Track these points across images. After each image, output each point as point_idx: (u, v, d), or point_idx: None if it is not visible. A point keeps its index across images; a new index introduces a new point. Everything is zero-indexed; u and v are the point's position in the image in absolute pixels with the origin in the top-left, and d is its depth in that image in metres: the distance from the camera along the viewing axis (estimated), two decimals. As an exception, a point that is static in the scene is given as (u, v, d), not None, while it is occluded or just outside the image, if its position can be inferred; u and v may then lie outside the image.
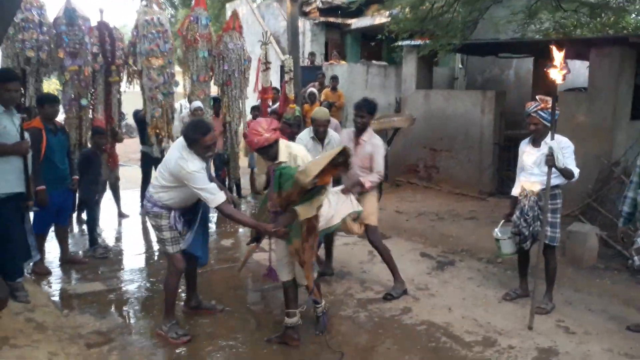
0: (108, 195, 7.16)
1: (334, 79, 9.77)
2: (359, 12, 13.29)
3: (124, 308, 4.43)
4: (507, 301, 4.63)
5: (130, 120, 10.91)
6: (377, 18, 11.94)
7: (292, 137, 8.07)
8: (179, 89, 7.91)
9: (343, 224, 4.17)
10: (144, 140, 7.39)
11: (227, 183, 8.43)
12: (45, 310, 4.12)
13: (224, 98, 8.17)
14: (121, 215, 7.42)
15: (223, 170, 8.29)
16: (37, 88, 5.78)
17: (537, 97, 4.35)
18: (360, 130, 4.68)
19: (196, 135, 3.56)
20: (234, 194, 8.30)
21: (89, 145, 6.27)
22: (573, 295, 4.78)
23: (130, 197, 8.00)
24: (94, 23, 6.65)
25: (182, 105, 9.29)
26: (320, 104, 8.69)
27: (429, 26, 7.71)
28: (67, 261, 5.34)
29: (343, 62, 11.11)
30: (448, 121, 9.15)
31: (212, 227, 6.88)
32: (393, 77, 10.74)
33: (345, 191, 4.33)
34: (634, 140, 6.68)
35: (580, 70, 13.79)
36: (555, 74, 3.89)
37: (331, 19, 12.67)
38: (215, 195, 3.56)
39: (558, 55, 3.86)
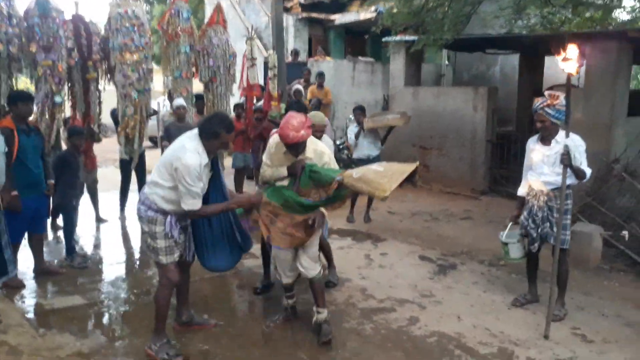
0: (85, 198, 6.71)
1: (321, 75, 9.46)
2: (341, 8, 13.02)
3: (108, 325, 4.04)
4: (517, 307, 4.39)
5: (107, 119, 10.40)
6: (362, 13, 11.67)
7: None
8: (159, 87, 7.51)
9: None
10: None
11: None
12: (19, 330, 3.72)
13: (208, 95, 7.77)
14: (99, 220, 6.98)
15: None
16: (9, 85, 5.32)
17: (545, 92, 4.11)
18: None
19: (219, 129, 3.29)
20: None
21: (65, 147, 5.84)
22: (583, 300, 4.57)
23: (109, 200, 7.55)
24: (68, 16, 6.20)
25: (159, 104, 8.88)
26: (310, 102, 8.36)
27: (425, 18, 7.45)
28: (42, 272, 4.91)
29: (328, 58, 10.80)
30: (438, 119, 8.93)
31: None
32: (380, 73, 10.48)
33: None
34: (633, 137, 6.53)
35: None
36: (569, 67, 3.65)
37: (314, 15, 12.35)
38: (195, 200, 3.25)
39: (572, 48, 3.62)
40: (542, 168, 4.14)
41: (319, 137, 4.64)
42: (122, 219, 7.11)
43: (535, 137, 4.27)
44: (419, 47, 8.17)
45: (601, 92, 6.67)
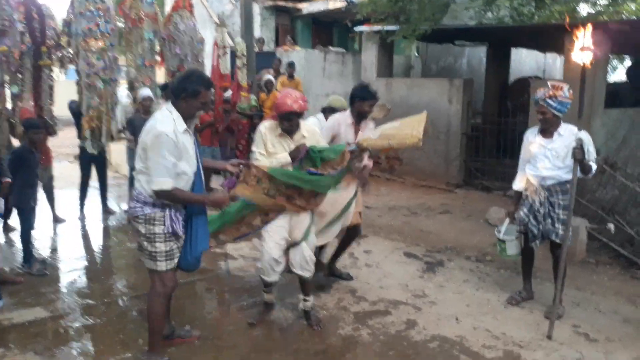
0: (40, 196, 6.16)
1: (291, 65, 9.11)
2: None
3: (78, 340, 3.60)
4: (513, 306, 4.24)
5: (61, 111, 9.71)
6: (331, 3, 11.37)
7: (253, 130, 7.42)
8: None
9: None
10: (81, 134, 6.45)
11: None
12: (-26, 351, 3.26)
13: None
14: (57, 220, 6.43)
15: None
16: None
17: (548, 82, 3.93)
18: (364, 117, 4.31)
19: (198, 86, 2.93)
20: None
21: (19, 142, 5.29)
22: (577, 295, 4.47)
23: (66, 198, 6.99)
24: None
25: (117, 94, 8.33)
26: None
27: (406, 7, 7.22)
28: (-3, 281, 4.41)
29: (298, 48, 10.46)
30: (412, 110, 8.58)
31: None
32: (351, 64, 10.23)
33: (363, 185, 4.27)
34: (610, 129, 6.54)
35: (528, 59, 13.95)
36: (581, 56, 3.48)
37: (281, 3, 11.94)
38: (164, 178, 2.84)
39: (583, 35, 3.45)
40: (543, 162, 3.97)
41: None
42: (82, 218, 6.59)
43: (534, 129, 4.10)
44: (399, 37, 7.95)
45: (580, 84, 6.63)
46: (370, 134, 3.69)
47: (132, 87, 7.11)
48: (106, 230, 6.30)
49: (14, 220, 5.20)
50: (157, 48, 7.06)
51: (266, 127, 3.61)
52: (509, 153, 8.59)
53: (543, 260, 4.75)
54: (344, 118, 4.32)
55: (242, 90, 8.61)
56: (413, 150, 8.73)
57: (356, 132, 4.29)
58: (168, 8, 10.25)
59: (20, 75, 5.78)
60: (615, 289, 4.65)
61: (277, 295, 4.06)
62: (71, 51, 6.26)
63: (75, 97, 6.51)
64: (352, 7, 10.06)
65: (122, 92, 8.19)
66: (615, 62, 14.89)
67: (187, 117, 2.98)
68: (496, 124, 8.92)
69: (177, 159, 2.90)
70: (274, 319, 3.92)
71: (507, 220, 4.24)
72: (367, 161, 3.94)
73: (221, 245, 4.00)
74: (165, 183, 2.86)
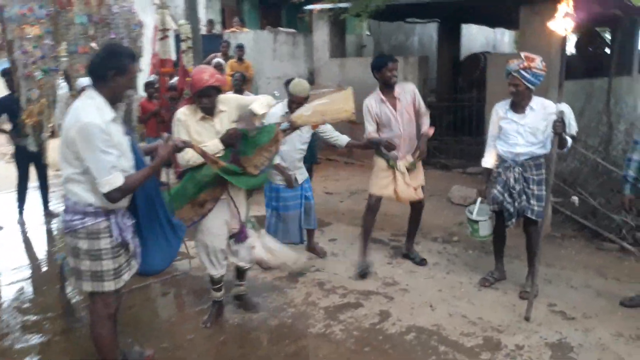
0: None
1: (240, 48, 8.68)
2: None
3: (17, 363, 3.22)
4: (487, 287, 4.11)
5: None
6: (277, -18, 10.96)
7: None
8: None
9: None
10: (17, 131, 5.87)
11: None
12: None
13: (113, 73, 6.77)
14: (-7, 226, 5.88)
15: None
16: None
17: (521, 54, 3.76)
18: (392, 87, 4.25)
19: (125, 61, 2.53)
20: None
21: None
22: (548, 272, 4.39)
23: (2, 202, 6.41)
24: None
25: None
26: (232, 77, 7.60)
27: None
28: None
29: (246, 29, 10.00)
30: (368, 91, 8.47)
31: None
32: (302, 45, 9.88)
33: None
34: (567, 101, 6.50)
35: (478, 35, 13.99)
36: (559, 25, 3.32)
37: (225, -17, 11.42)
38: (112, 175, 2.42)
39: (563, 5, 3.28)
40: (515, 138, 3.80)
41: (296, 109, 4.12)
42: (22, 223, 6.04)
43: (504, 104, 3.93)
44: (351, 15, 7.67)
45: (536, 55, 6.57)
46: (302, 110, 3.58)
47: (67, 77, 6.54)
48: (49, 235, 5.79)
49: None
50: (92, 33, 6.49)
51: (185, 114, 3.28)
52: (466, 130, 8.56)
53: (510, 237, 4.64)
54: (372, 99, 4.31)
55: (189, 75, 8.12)
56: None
57: (393, 104, 4.24)
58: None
59: None
60: (583, 262, 4.62)
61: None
62: (7, 38, 5.66)
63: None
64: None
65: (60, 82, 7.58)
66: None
67: (115, 101, 2.57)
68: (451, 101, 8.85)
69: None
70: (239, 322, 3.63)
71: (479, 199, 4.07)
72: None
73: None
74: (116, 179, 2.43)
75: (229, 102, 3.38)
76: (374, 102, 4.31)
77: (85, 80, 6.15)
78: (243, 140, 3.27)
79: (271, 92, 7.29)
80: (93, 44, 6.68)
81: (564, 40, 3.48)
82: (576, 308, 3.74)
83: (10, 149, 6.25)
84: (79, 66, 6.40)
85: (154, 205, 2.79)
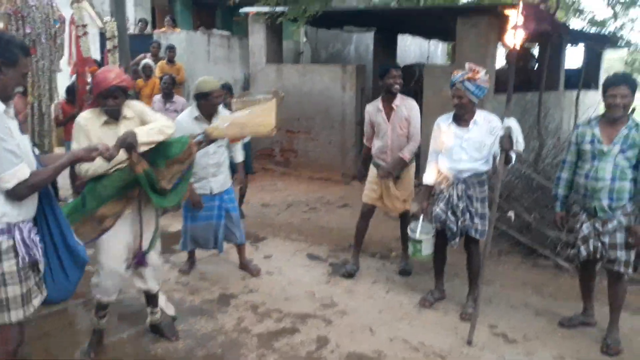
0: None
1: (171, 49, 8.20)
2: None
3: None
4: (427, 308, 3.97)
5: None
6: (212, -18, 10.54)
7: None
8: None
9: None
10: None
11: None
12: None
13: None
14: None
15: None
16: None
17: (466, 64, 3.64)
18: (394, 95, 4.23)
19: (14, 52, 2.22)
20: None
21: None
22: (487, 290, 4.30)
23: None
24: None
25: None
26: (161, 79, 7.14)
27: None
28: None
29: (178, 30, 9.51)
30: (305, 99, 8.33)
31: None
32: (237, 49, 9.52)
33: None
34: (500, 114, 6.59)
35: (412, 46, 14.18)
36: (510, 38, 3.22)
37: (156, -19, 10.86)
38: (18, 167, 2.12)
39: (516, 15, 3.18)
40: (459, 154, 3.68)
41: (216, 107, 4.14)
42: None
43: (446, 117, 3.80)
44: (288, 19, 7.41)
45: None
46: (219, 122, 3.50)
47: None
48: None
49: None
50: (1, 25, 5.86)
51: (85, 118, 2.98)
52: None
53: (449, 254, 4.54)
54: (372, 105, 4.33)
55: (115, 76, 7.57)
56: (307, 142, 8.39)
57: (388, 114, 4.26)
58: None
59: None
60: (521, 279, 4.59)
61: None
62: None
63: None
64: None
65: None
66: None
67: (4, 97, 2.21)
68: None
69: None
70: (162, 353, 3.26)
71: (421, 217, 3.92)
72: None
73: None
74: (21, 171, 2.12)
75: (134, 109, 3.09)
76: (372, 109, 4.39)
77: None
78: (152, 149, 2.93)
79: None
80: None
81: (512, 53, 3.39)
82: (516, 329, 3.66)
83: None
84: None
85: (46, 222, 2.38)
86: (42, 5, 6.17)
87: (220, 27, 11.89)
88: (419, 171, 4.51)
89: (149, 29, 10.02)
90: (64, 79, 7.11)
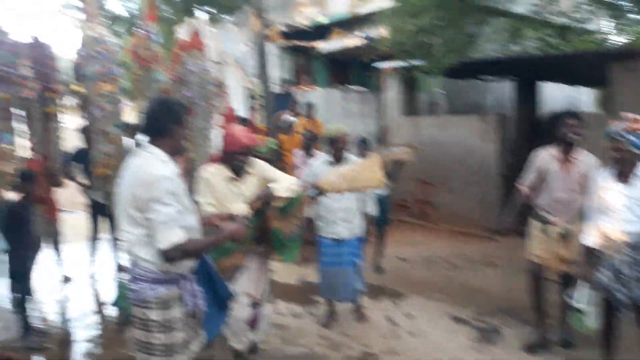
0: (47, 254, 5.61)
1: (310, 106, 8.62)
2: (324, 35, 12.37)
3: None
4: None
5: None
6: (348, 40, 10.99)
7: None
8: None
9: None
10: (91, 183, 5.98)
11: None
12: None
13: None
14: (65, 279, 5.86)
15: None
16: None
17: (623, 114, 3.31)
18: (571, 146, 3.89)
19: (181, 113, 2.48)
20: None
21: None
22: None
23: (76, 253, 6.43)
24: (25, 41, 5.26)
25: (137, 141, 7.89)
26: (301, 134, 7.50)
27: (432, 39, 6.71)
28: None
29: (316, 87, 10.02)
30: (442, 150, 8.18)
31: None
32: (372, 103, 9.73)
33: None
34: None
35: (555, 93, 13.41)
36: None
37: (297, 42, 11.61)
38: (175, 230, 2.26)
39: None
40: (622, 213, 3.30)
41: (342, 151, 4.21)
42: (92, 275, 6.01)
43: (603, 171, 3.46)
44: (423, 73, 7.44)
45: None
46: (331, 176, 3.70)
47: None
48: (119, 288, 5.67)
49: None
50: (167, 89, 6.62)
51: (210, 172, 3.14)
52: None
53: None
54: (544, 150, 4.04)
55: (259, 132, 8.11)
56: (444, 194, 8.16)
57: (565, 165, 3.91)
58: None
59: (25, 123, 5.35)
60: None
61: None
62: (80, 96, 5.84)
63: (77, 144, 6.10)
64: (370, 43, 9.63)
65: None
66: None
67: (176, 153, 2.44)
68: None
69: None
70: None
71: (585, 283, 3.53)
72: None
73: None
74: (177, 235, 2.26)
75: (256, 167, 3.29)
76: (545, 154, 4.06)
77: (140, 137, 6.26)
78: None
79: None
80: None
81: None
82: None
83: (84, 200, 6.33)
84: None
85: (206, 268, 2.64)
86: (200, 70, 6.88)
87: (355, 82, 12.29)
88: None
89: (289, 87, 10.68)
90: (216, 136, 7.76)
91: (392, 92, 8.92)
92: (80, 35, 5.58)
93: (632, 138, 3.20)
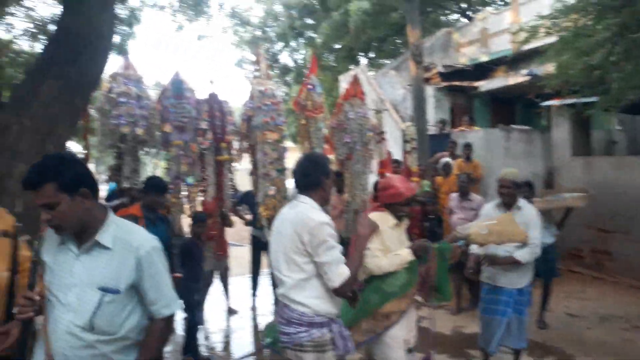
0: (216, 288, 6.23)
1: (468, 147, 8.37)
2: (484, 74, 12.01)
3: None
4: None
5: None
6: (511, 78, 10.52)
7: (425, 217, 6.76)
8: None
9: None
10: (254, 222, 6.54)
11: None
12: None
13: (345, 174, 7.12)
14: (230, 311, 6.42)
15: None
16: (135, 168, 5.07)
17: None
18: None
19: (328, 166, 2.72)
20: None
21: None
22: None
23: (240, 286, 7.01)
24: (202, 96, 6.05)
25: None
26: (458, 177, 7.30)
27: (606, 74, 6.13)
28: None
29: (475, 127, 9.71)
30: (621, 194, 7.28)
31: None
32: (538, 143, 9.09)
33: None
34: None
35: None
36: None
37: (456, 83, 11.45)
38: (343, 267, 2.46)
39: None
40: None
41: (507, 195, 4.07)
42: (254, 308, 6.48)
43: None
44: (599, 109, 6.78)
45: None
46: (479, 229, 3.66)
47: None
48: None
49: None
50: (328, 136, 7.00)
51: (377, 218, 3.16)
52: None
53: None
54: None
55: (413, 175, 8.09)
56: (625, 243, 7.22)
57: None
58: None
59: (201, 170, 6.06)
60: None
61: None
62: (249, 143, 6.48)
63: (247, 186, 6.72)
64: (536, 80, 9.08)
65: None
66: None
67: (325, 204, 2.65)
68: None
69: None
70: None
71: None
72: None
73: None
74: (345, 271, 2.45)
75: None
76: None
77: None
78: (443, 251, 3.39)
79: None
80: (325, 146, 7.21)
81: None
82: None
83: (249, 235, 6.93)
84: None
85: None
86: (358, 117, 7.17)
87: (520, 121, 11.67)
88: None
89: (446, 128, 10.53)
90: (373, 179, 7.94)
91: (561, 131, 8.26)
92: (250, 89, 6.25)
93: None
